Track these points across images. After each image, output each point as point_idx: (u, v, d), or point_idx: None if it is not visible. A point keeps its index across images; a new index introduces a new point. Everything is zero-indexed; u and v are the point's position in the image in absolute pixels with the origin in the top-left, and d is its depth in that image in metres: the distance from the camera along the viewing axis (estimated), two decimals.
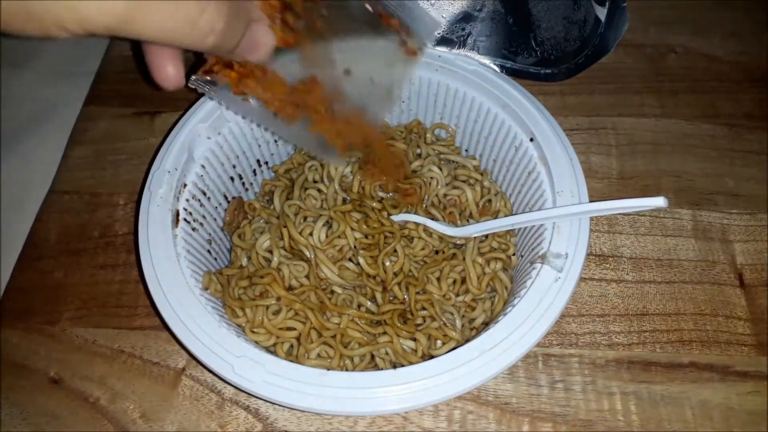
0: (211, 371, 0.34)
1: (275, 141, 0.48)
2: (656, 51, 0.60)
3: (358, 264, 0.42)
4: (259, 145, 0.47)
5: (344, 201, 0.44)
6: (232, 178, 0.46)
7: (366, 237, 0.43)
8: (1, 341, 0.44)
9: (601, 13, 0.45)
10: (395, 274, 0.42)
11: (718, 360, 0.43)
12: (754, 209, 0.50)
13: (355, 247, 0.42)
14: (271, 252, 0.42)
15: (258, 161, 0.48)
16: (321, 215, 0.43)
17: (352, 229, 0.42)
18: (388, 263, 0.42)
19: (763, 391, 0.42)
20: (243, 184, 0.47)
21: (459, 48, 0.47)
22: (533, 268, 0.37)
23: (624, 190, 0.52)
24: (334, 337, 0.39)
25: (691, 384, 0.42)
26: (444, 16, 0.47)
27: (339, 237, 0.42)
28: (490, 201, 0.46)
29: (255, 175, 0.48)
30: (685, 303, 0.46)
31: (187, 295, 0.36)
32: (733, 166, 0.53)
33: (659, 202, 0.33)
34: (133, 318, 0.45)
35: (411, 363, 0.38)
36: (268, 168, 0.49)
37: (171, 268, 0.37)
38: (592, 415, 0.41)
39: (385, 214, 0.43)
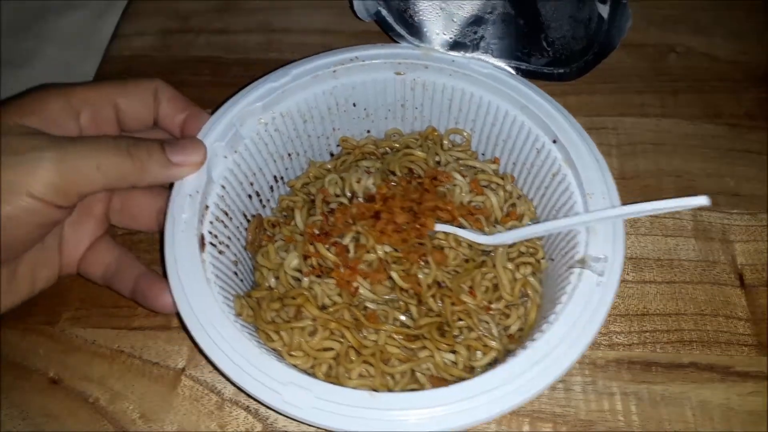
0: (259, 402, 0.33)
1: (288, 155, 0.47)
2: (657, 51, 0.60)
3: (389, 278, 0.41)
4: (275, 160, 0.46)
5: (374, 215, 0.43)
6: (249, 196, 0.45)
7: (396, 250, 0.41)
8: (0, 341, 0.44)
9: (604, 10, 0.45)
10: (429, 287, 0.40)
11: (719, 360, 0.43)
12: (755, 209, 0.50)
13: (387, 261, 0.41)
14: (299, 271, 0.41)
15: (275, 177, 0.47)
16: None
17: (381, 243, 0.41)
18: (421, 276, 0.41)
19: (764, 391, 0.42)
20: (260, 201, 0.46)
21: (472, 51, 0.46)
22: (571, 273, 0.37)
23: (625, 190, 0.51)
24: (373, 355, 0.39)
25: (692, 384, 0.42)
26: (455, 20, 0.46)
27: (368, 252, 0.41)
28: (514, 205, 0.45)
29: (272, 191, 0.47)
30: (686, 303, 0.46)
31: (225, 325, 0.35)
32: (734, 166, 0.53)
33: (701, 200, 0.31)
34: (133, 318, 0.45)
35: (453, 376, 0.38)
36: (284, 183, 0.48)
37: (205, 298, 0.35)
38: (592, 416, 0.41)
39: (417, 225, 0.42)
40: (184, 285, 0.36)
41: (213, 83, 0.58)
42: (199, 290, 0.36)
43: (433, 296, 0.40)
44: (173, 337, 0.44)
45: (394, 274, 0.40)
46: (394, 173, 0.45)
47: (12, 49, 0.64)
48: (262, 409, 0.41)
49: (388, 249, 0.41)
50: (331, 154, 0.51)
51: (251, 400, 0.42)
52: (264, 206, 0.47)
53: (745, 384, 0.42)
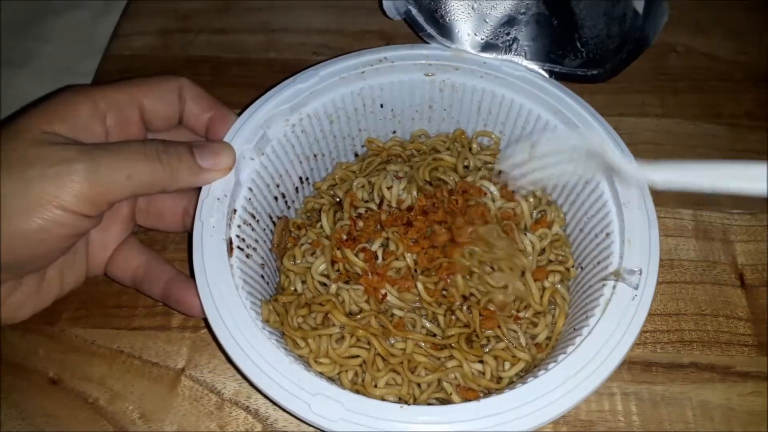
0: (288, 412, 0.33)
1: (314, 156, 0.47)
2: (657, 50, 0.60)
3: (416, 286, 0.40)
4: (301, 162, 0.46)
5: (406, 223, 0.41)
6: (276, 198, 0.44)
7: (426, 254, 0.41)
8: (0, 341, 0.44)
9: (639, 5, 0.44)
10: (459, 299, 0.40)
11: (719, 360, 0.43)
12: (756, 209, 0.50)
13: (415, 270, 0.40)
14: (327, 276, 0.41)
15: (300, 178, 0.47)
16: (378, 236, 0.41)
17: (412, 251, 0.40)
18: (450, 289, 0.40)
19: (764, 391, 0.42)
20: (286, 202, 0.46)
21: (505, 53, 0.45)
22: (604, 285, 0.37)
23: None
24: (400, 363, 0.38)
25: (692, 384, 0.42)
26: (487, 20, 0.45)
27: (397, 259, 0.40)
28: (543, 212, 0.44)
29: (297, 192, 0.47)
30: (686, 303, 0.46)
31: (253, 333, 0.34)
32: None
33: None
34: (133, 318, 0.45)
35: (480, 386, 0.38)
36: (309, 184, 0.48)
37: (233, 305, 0.35)
38: (592, 416, 0.41)
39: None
40: (212, 292, 0.35)
41: (213, 83, 0.58)
42: (227, 297, 0.35)
43: (461, 307, 0.40)
44: (173, 337, 0.44)
45: (419, 286, 0.40)
46: (430, 183, 0.44)
47: (12, 49, 0.64)
48: (262, 409, 0.41)
49: (416, 257, 0.41)
50: (356, 155, 0.50)
51: (251, 401, 0.42)
52: (289, 207, 0.46)
53: (745, 384, 0.42)
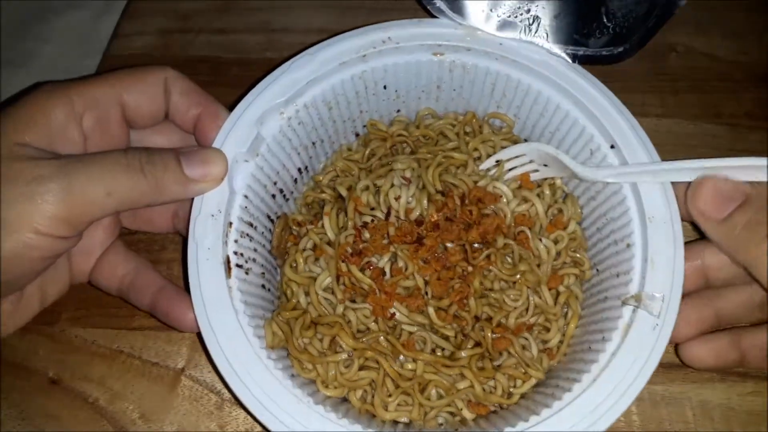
0: None
1: (312, 144, 0.43)
2: (657, 50, 0.60)
3: (426, 309, 0.38)
4: (299, 153, 0.43)
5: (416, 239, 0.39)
6: (273, 196, 0.41)
7: (439, 279, 0.39)
8: (0, 342, 0.44)
9: None
10: (471, 321, 0.39)
11: None
12: None
13: (426, 293, 0.38)
14: (332, 291, 0.39)
15: (299, 169, 0.44)
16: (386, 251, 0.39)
17: (422, 273, 0.38)
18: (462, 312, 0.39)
19: (764, 391, 0.42)
20: (284, 196, 0.43)
21: (524, 33, 0.41)
22: (624, 308, 0.35)
23: None
24: (411, 386, 0.37)
25: (692, 384, 0.42)
26: None
27: (406, 278, 0.38)
28: (560, 210, 0.42)
29: (296, 183, 0.44)
30: None
31: (258, 368, 0.33)
32: None
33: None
34: (132, 318, 0.45)
35: (491, 402, 0.37)
36: (308, 173, 0.45)
37: (235, 334, 0.33)
38: None
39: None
40: (212, 324, 0.34)
41: (212, 83, 0.57)
42: (227, 326, 0.34)
43: (473, 327, 0.39)
44: (173, 337, 0.44)
45: (430, 310, 0.38)
46: (442, 193, 0.41)
47: (12, 49, 0.64)
48: None
49: (428, 278, 0.39)
50: (357, 134, 0.47)
51: None
52: (287, 200, 0.44)
53: (745, 384, 0.42)
